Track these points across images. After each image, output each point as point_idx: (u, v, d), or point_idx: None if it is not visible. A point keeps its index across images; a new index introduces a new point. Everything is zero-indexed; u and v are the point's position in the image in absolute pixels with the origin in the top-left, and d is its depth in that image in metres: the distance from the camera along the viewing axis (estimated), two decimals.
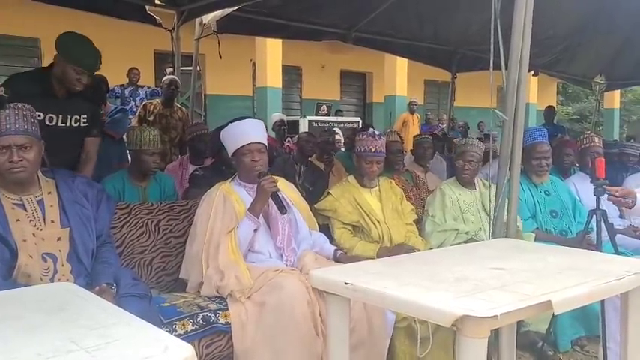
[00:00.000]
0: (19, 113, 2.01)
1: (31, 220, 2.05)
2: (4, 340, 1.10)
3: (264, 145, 2.69)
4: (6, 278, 1.92)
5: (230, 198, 2.64)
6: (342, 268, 1.82)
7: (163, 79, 5.54)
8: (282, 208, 2.57)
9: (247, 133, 2.65)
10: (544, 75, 8.60)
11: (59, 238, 2.08)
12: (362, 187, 3.20)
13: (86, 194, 2.24)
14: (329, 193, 3.19)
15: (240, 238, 2.53)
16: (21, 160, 1.98)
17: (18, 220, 2.02)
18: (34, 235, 2.03)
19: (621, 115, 18.11)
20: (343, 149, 6.31)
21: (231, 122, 2.77)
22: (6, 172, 1.98)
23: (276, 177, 2.73)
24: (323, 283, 1.63)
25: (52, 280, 2.02)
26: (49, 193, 2.13)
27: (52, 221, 2.09)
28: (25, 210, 2.06)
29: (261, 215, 2.61)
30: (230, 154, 2.74)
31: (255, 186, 2.59)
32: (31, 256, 1.99)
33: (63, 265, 2.07)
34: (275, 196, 2.57)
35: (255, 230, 2.57)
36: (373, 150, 3.10)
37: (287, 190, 2.86)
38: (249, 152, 2.63)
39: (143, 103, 5.70)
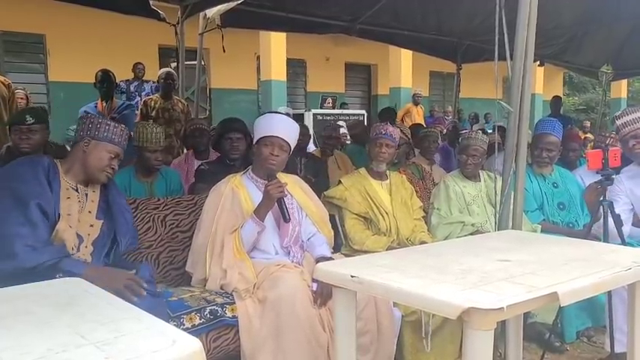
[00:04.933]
0: (125, 129, 2.36)
1: (79, 201, 2.31)
2: (14, 335, 1.11)
3: (289, 145, 2.63)
4: (46, 244, 2.11)
5: (238, 194, 2.62)
6: (348, 261, 1.83)
7: (159, 72, 5.51)
8: (285, 216, 2.53)
9: (278, 126, 2.61)
10: (550, 65, 8.53)
11: (92, 225, 2.33)
12: (373, 179, 3.22)
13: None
14: (340, 182, 3.22)
15: (244, 239, 2.51)
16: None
17: (69, 197, 2.27)
18: (78, 212, 2.29)
19: (629, 105, 17.96)
20: (349, 142, 6.30)
21: (269, 112, 2.82)
22: (101, 172, 2.31)
23: (292, 177, 2.72)
24: (329, 277, 1.63)
25: (74, 255, 2.22)
26: (94, 191, 2.39)
27: (89, 212, 2.34)
28: (77, 192, 2.32)
29: (271, 214, 2.57)
30: (255, 141, 2.69)
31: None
32: (70, 227, 2.22)
33: (86, 247, 2.27)
34: (280, 202, 2.52)
35: (259, 233, 2.54)
36: (383, 132, 3.17)
37: (299, 193, 2.79)
38: (271, 144, 2.58)
39: (143, 99, 5.69)
